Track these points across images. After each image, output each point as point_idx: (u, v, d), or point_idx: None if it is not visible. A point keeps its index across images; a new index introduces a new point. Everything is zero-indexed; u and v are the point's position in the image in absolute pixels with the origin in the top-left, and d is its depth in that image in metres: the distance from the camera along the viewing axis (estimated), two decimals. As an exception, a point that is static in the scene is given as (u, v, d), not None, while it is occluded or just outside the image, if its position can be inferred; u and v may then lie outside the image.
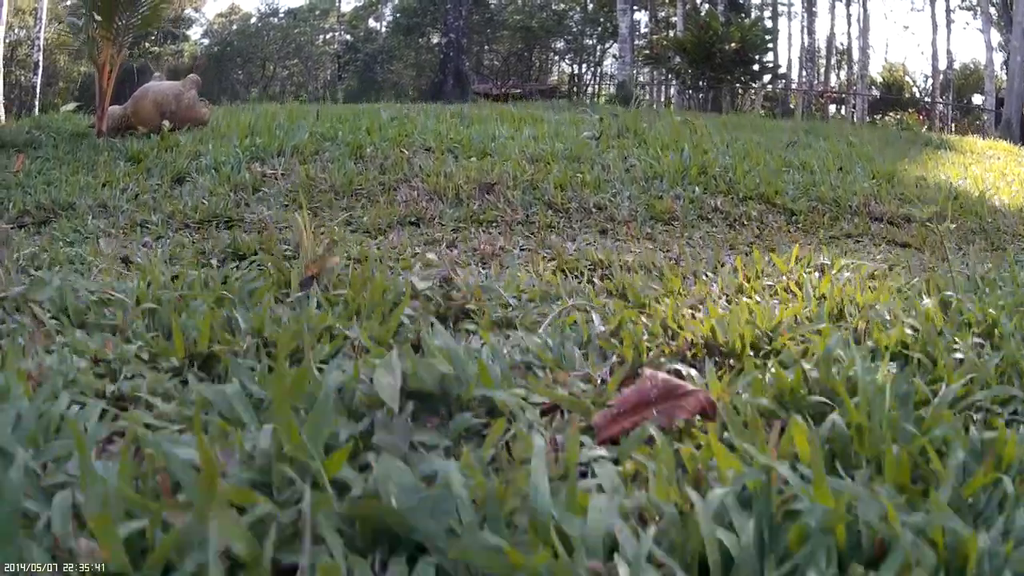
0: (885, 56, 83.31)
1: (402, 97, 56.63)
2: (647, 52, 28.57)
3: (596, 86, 47.37)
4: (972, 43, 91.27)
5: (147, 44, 61.06)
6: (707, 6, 29.60)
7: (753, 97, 25.23)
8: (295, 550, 0.86)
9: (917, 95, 45.39)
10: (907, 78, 47.10)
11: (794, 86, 29.57)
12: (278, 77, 49.96)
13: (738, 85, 24.12)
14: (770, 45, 25.11)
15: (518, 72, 38.65)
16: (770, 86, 27.91)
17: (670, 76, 27.50)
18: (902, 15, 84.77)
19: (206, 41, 67.21)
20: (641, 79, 32.17)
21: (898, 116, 42.91)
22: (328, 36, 53.31)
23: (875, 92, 41.20)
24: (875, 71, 43.37)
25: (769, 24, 31.08)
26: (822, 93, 33.70)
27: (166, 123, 4.37)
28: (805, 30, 31.98)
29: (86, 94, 42.37)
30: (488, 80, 38.78)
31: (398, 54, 34.37)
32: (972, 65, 42.04)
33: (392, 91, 51.38)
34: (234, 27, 72.50)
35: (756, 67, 24.13)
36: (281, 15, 58.17)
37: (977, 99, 35.87)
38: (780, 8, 34.90)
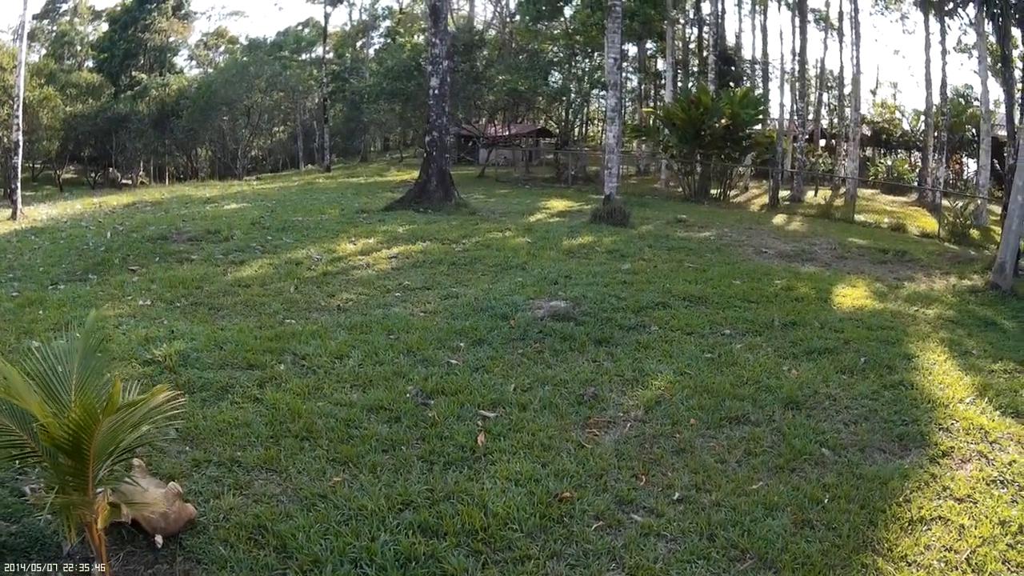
0: (876, 79, 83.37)
1: (390, 148, 56.07)
2: (636, 125, 28.32)
3: (583, 128, 47.26)
4: (965, 71, 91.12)
5: (134, 73, 60.79)
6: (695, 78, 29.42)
7: (741, 172, 25.03)
8: None
9: (908, 129, 45.33)
10: (898, 114, 47.06)
11: (781, 147, 29.16)
12: (264, 107, 49.44)
13: (728, 162, 23.87)
14: (760, 116, 24.85)
15: (505, 118, 38.36)
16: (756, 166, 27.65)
17: (659, 150, 27.18)
18: (893, 37, 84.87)
19: (195, 72, 66.93)
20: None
21: (890, 162, 42.88)
22: (314, 65, 52.94)
23: (867, 131, 41.00)
24: (865, 95, 42.92)
25: (760, 87, 30.77)
26: (811, 137, 33.46)
27: (159, 539, 4.08)
28: (796, 58, 31.37)
29: (71, 134, 41.95)
30: (475, 124, 38.51)
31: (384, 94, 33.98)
32: (965, 92, 41.82)
33: (379, 131, 51.31)
34: (221, 49, 72.21)
35: (745, 143, 23.89)
36: (268, 44, 57.84)
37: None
38: (771, 66, 34.48)
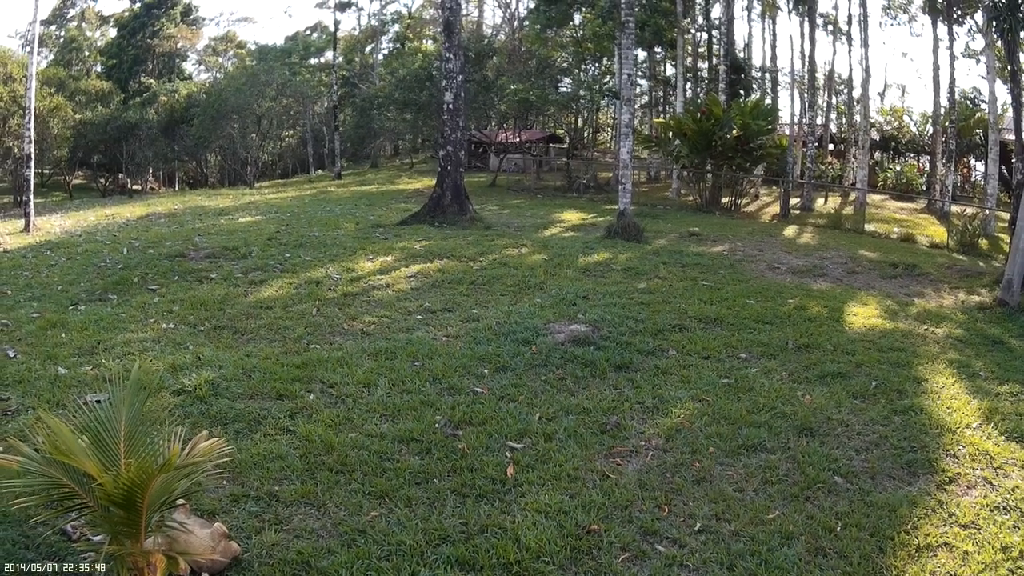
0: (885, 80, 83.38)
1: (400, 153, 56.39)
2: (647, 135, 28.59)
3: (593, 134, 47.48)
4: (973, 75, 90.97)
5: (143, 79, 61.19)
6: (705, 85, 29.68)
7: (753, 181, 25.21)
8: None
9: (916, 133, 45.30)
10: (906, 118, 47.08)
11: (791, 158, 29.40)
12: (274, 114, 49.73)
13: (739, 172, 24.09)
14: (770, 127, 25.04)
15: (516, 125, 38.61)
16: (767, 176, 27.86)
17: (670, 160, 27.39)
18: (902, 40, 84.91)
19: (203, 76, 67.35)
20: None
21: (898, 167, 42.89)
22: (323, 71, 53.27)
23: (875, 136, 41.02)
24: (873, 97, 42.97)
25: (770, 95, 30.96)
26: (822, 142, 33.53)
27: None
28: (805, 63, 31.55)
29: (80, 141, 42.31)
30: (487, 130, 38.78)
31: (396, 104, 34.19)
32: (974, 95, 41.73)
33: (389, 137, 51.63)
34: (229, 54, 72.61)
35: (757, 153, 24.08)
36: (278, 50, 58.16)
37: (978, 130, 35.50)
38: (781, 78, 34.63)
